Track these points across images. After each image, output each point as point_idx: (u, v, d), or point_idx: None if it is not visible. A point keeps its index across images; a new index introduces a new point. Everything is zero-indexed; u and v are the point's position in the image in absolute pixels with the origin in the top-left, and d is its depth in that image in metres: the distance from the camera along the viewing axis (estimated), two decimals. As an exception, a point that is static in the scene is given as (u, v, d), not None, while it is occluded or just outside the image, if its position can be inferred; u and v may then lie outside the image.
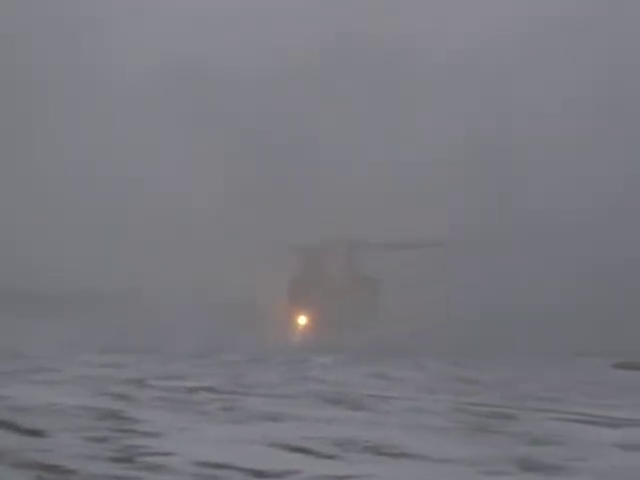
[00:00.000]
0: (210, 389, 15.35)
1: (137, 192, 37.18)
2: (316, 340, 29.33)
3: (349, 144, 37.25)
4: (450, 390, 15.32)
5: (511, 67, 38.08)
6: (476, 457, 10.01)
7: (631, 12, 37.37)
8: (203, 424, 12.02)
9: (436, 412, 12.80)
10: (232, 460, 9.54)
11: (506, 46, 37.77)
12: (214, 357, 22.23)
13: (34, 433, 11.07)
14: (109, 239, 35.81)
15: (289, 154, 37.25)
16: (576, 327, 29.45)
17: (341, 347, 24.59)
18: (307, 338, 32.33)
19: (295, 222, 34.46)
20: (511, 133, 37.18)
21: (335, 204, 35.73)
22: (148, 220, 35.51)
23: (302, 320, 35.97)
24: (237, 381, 16.57)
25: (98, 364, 19.76)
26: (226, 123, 37.82)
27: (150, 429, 11.48)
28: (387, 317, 32.27)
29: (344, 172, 36.55)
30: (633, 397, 16.95)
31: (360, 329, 32.79)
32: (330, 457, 10.13)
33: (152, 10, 40.53)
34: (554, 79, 37.57)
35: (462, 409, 13.19)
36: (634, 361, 25.66)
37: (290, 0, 39.41)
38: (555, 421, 12.60)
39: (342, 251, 37.00)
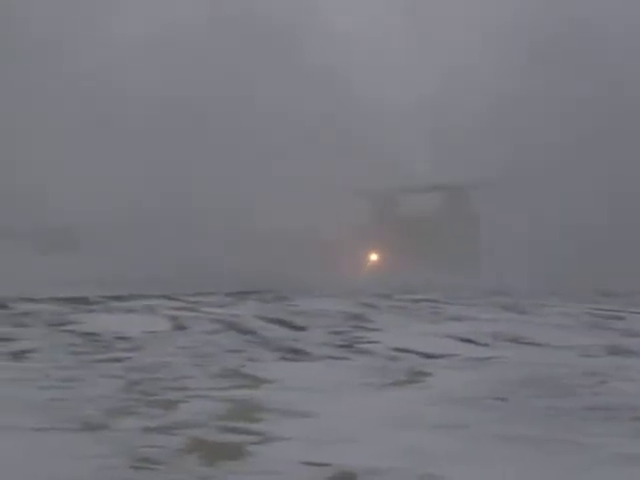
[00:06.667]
0: (431, 300, 20.95)
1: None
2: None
3: None
4: (589, 300, 20.32)
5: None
6: (579, 345, 15.02)
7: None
8: (411, 323, 17.60)
9: (572, 315, 17.91)
10: (414, 346, 15.03)
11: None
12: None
13: (298, 328, 16.96)
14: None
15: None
16: None
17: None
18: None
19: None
20: None
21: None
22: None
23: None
24: (451, 294, 22.09)
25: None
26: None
27: (375, 326, 17.14)
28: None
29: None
30: None
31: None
32: (483, 345, 15.46)
33: None
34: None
35: (590, 313, 18.20)
36: None
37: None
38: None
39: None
